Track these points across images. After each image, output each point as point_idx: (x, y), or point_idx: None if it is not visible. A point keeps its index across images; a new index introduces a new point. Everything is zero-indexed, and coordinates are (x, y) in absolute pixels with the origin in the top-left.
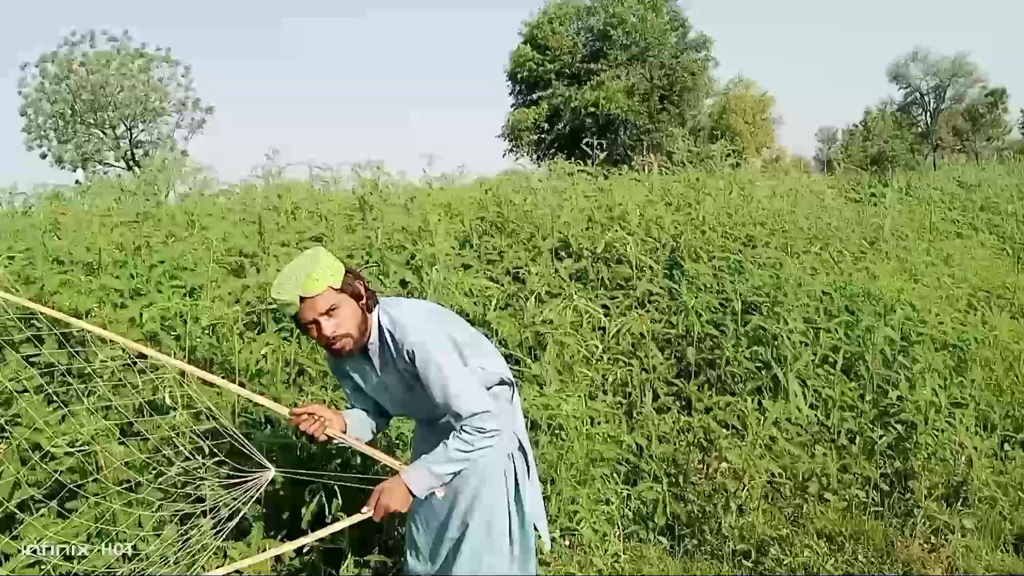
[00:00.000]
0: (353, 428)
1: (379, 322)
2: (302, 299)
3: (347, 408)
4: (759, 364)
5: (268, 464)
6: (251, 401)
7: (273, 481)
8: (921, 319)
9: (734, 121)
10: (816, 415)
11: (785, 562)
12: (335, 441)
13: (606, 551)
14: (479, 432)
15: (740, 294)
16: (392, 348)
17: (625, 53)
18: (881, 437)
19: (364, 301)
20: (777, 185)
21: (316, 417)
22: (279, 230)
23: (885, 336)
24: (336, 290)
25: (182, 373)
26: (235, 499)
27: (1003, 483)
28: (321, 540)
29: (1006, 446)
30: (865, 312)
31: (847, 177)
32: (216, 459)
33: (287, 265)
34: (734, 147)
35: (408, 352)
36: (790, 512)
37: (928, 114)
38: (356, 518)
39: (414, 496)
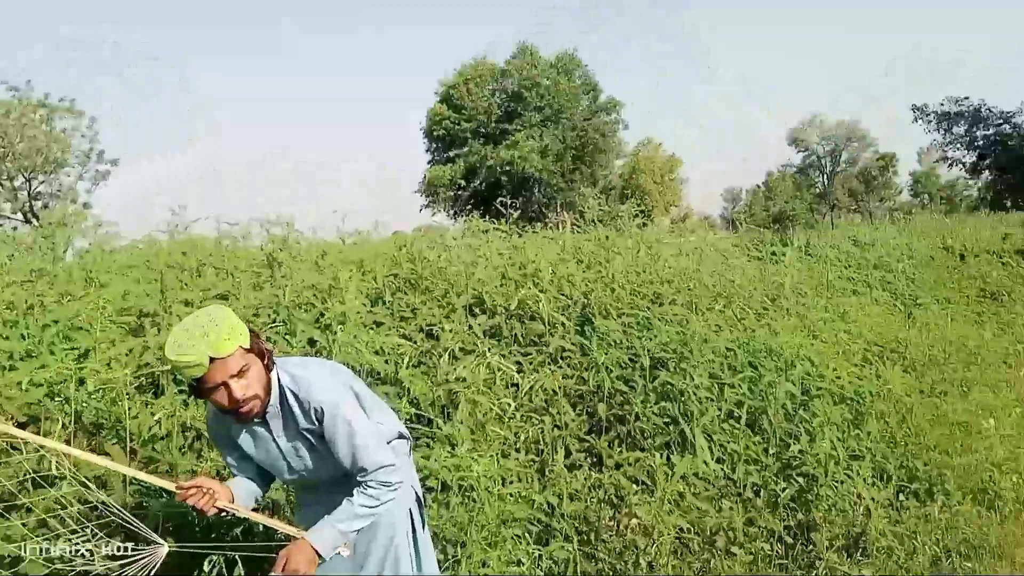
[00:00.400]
0: (240, 498)
1: (279, 383)
2: (212, 359)
3: (232, 478)
4: (667, 419)
5: (160, 540)
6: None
7: (169, 554)
8: (820, 373)
9: (643, 181)
10: (722, 469)
11: None
12: (224, 513)
13: None
14: (384, 486)
15: (648, 350)
16: (297, 408)
17: (539, 115)
18: (784, 490)
19: (266, 361)
20: (683, 243)
21: (204, 490)
22: (183, 288)
23: (786, 391)
24: (246, 350)
25: (69, 440)
26: None
27: (899, 532)
28: None
29: (901, 496)
30: (767, 367)
31: (750, 236)
32: (107, 531)
33: (184, 322)
34: (643, 206)
35: (316, 411)
36: (698, 567)
37: (825, 176)
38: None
39: (320, 557)
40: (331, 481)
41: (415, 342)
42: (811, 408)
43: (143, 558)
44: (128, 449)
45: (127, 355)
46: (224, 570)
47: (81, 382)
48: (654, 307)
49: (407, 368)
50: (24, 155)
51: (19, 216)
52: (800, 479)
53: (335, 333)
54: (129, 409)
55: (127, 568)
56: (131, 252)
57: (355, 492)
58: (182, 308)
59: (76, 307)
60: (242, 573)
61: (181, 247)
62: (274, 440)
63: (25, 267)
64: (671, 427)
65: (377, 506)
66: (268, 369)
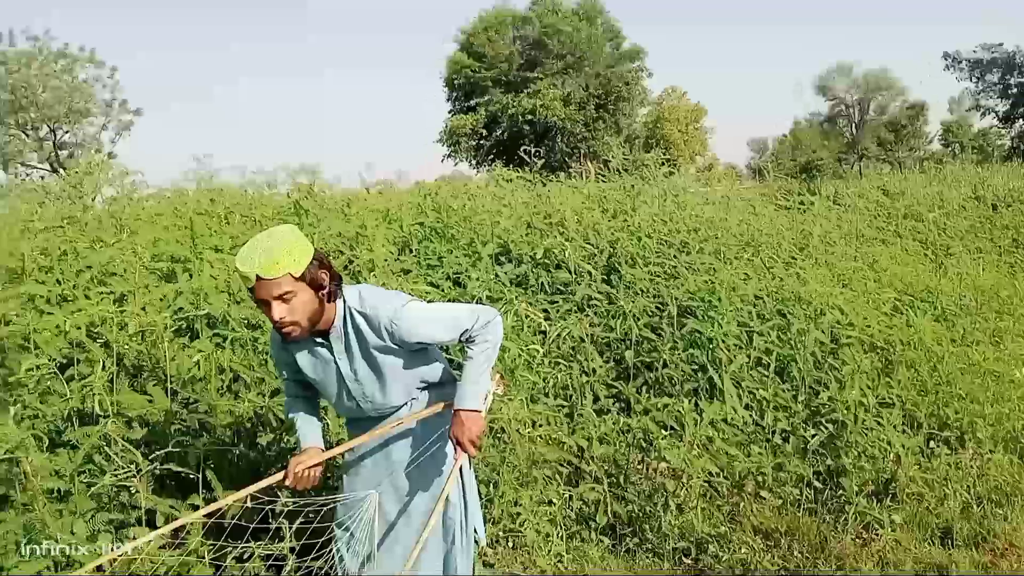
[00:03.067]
0: (319, 440)
1: (345, 304)
2: (258, 277)
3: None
4: (695, 367)
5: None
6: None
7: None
8: (849, 322)
9: (668, 130)
10: (751, 415)
11: (723, 559)
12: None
13: (549, 551)
14: (487, 324)
15: (676, 298)
16: (366, 325)
17: (561, 62)
18: (813, 436)
19: (325, 291)
20: (710, 193)
21: (303, 472)
22: (211, 235)
23: (816, 339)
24: (295, 278)
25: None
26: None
27: (929, 479)
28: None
29: (931, 443)
30: (796, 316)
31: (777, 185)
32: (152, 465)
33: (256, 236)
34: (668, 156)
35: (387, 321)
36: (727, 510)
37: (853, 125)
38: (457, 466)
39: (479, 412)
40: (379, 418)
41: (442, 290)
42: (840, 356)
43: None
44: (168, 390)
45: (161, 300)
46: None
47: (122, 326)
48: (681, 256)
49: None
50: (47, 105)
51: (45, 166)
52: (829, 426)
53: (364, 280)
54: (166, 352)
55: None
56: (159, 200)
57: (467, 349)
58: (212, 254)
59: (109, 253)
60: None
61: (208, 195)
62: (335, 362)
63: (56, 214)
64: (699, 374)
65: (490, 345)
66: (329, 298)
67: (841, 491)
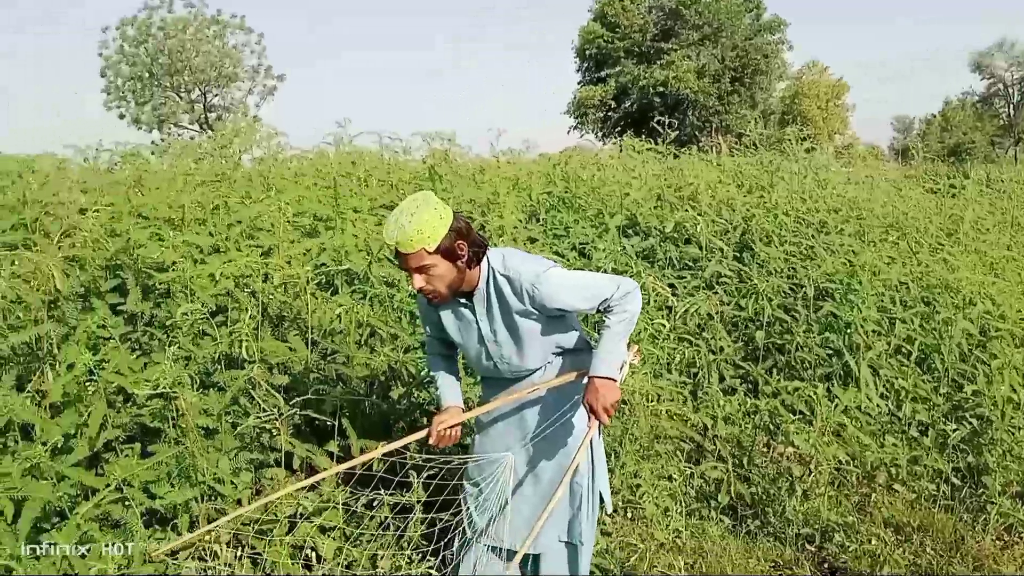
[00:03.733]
0: (459, 399)
1: (489, 267)
2: (397, 250)
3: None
4: (830, 351)
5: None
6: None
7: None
8: (1001, 314)
9: (806, 106)
10: (887, 405)
11: (850, 548)
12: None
13: (667, 526)
14: (625, 298)
15: (813, 280)
16: (508, 288)
17: (697, 33)
18: (954, 431)
19: (464, 260)
20: (852, 172)
21: (445, 431)
22: (351, 196)
23: (963, 329)
24: (429, 252)
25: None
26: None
27: None
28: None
29: None
30: (943, 304)
31: (924, 168)
32: (292, 410)
33: (402, 204)
34: (806, 133)
35: (528, 285)
36: (856, 500)
37: (1011, 106)
38: (590, 433)
39: (615, 380)
40: (515, 379)
41: (567, 260)
42: (989, 349)
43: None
44: (309, 341)
45: (304, 255)
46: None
47: (266, 277)
48: (819, 236)
49: None
50: (199, 69)
51: (195, 127)
52: (973, 421)
53: (495, 246)
54: (308, 304)
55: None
56: (301, 161)
57: (605, 319)
58: (352, 214)
59: (257, 209)
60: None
61: (349, 158)
62: (476, 323)
63: (209, 171)
64: (833, 359)
65: (628, 316)
66: (471, 264)
67: (982, 489)
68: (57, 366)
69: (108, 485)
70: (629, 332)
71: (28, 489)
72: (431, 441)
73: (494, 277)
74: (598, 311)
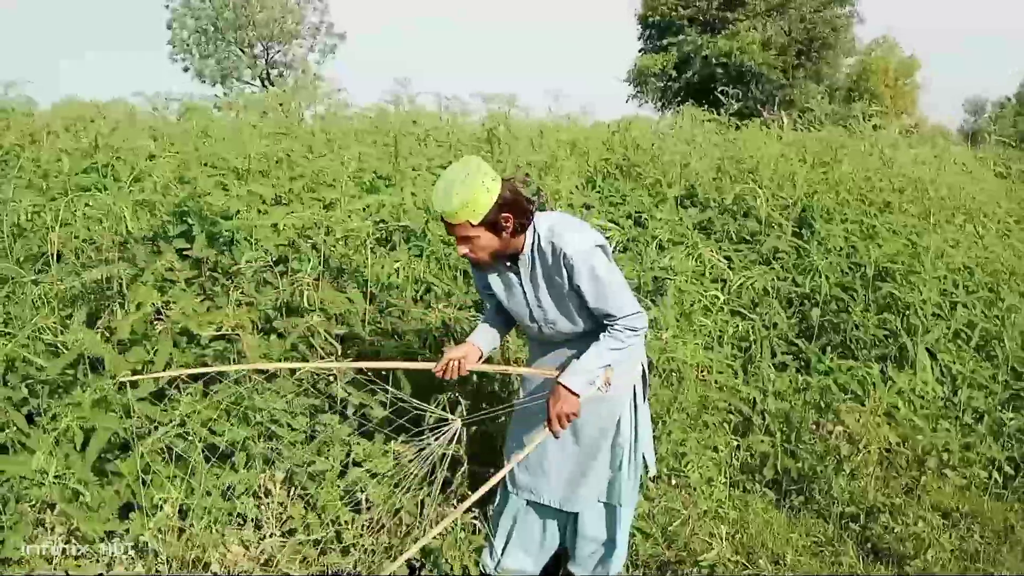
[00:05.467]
0: (486, 346)
1: (535, 232)
2: (442, 218)
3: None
4: (886, 333)
5: (453, 417)
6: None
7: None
8: None
9: (873, 83)
10: (943, 390)
11: (895, 530)
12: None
13: (711, 496)
14: (630, 331)
15: (874, 259)
16: (551, 256)
17: (764, 3)
18: (1012, 419)
19: (508, 232)
20: (919, 153)
21: (453, 363)
22: (411, 155)
23: None
24: (473, 225)
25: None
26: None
27: None
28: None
29: None
30: (1008, 291)
31: (996, 151)
32: (348, 360)
33: (450, 170)
34: (873, 110)
35: (568, 259)
36: (904, 483)
37: None
38: (541, 437)
39: (578, 395)
40: (563, 341)
41: (622, 228)
42: None
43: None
44: (367, 294)
45: (364, 210)
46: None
47: (328, 230)
48: (882, 215)
49: (613, 252)
50: (263, 24)
51: (257, 83)
52: None
53: (552, 210)
54: (368, 258)
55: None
56: (362, 119)
57: (602, 336)
58: (411, 172)
59: (320, 163)
60: (463, 408)
61: (410, 117)
62: (521, 286)
63: (274, 125)
64: (890, 340)
65: (623, 348)
66: (513, 235)
67: None
68: (126, 305)
69: (171, 420)
70: (616, 362)
71: (97, 419)
72: (435, 368)
73: (539, 243)
74: (600, 320)
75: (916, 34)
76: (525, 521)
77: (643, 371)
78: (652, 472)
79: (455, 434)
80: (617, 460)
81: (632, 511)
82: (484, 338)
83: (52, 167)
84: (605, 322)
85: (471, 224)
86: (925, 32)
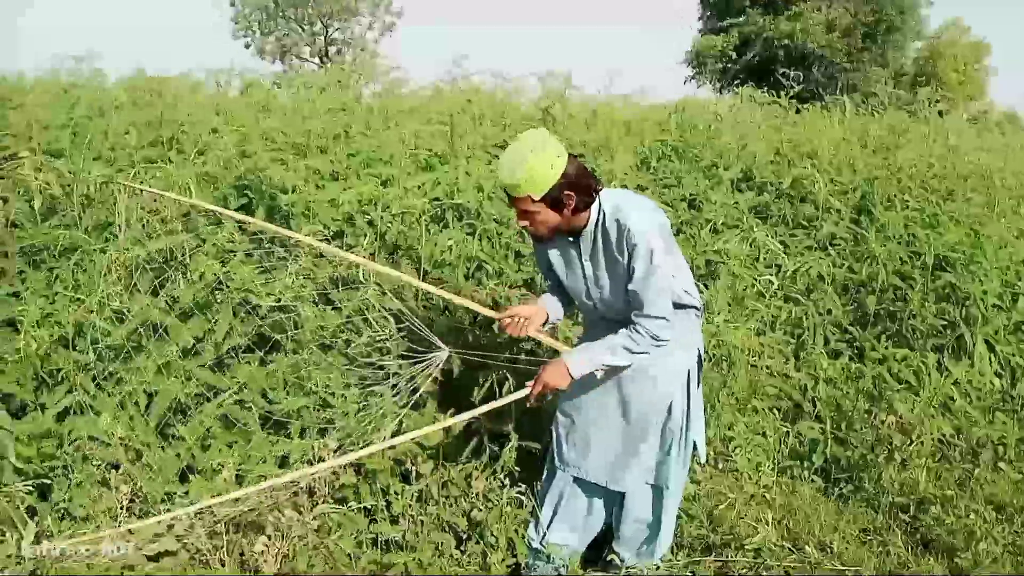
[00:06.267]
0: (552, 314)
1: (600, 208)
2: (505, 190)
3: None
4: (944, 322)
5: (443, 345)
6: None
7: (449, 361)
8: None
9: (941, 68)
10: (1001, 383)
11: (945, 522)
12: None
13: (758, 481)
14: (652, 337)
15: (934, 248)
16: (615, 235)
17: None
18: None
19: (570, 209)
20: (985, 140)
21: (520, 319)
22: (466, 134)
23: None
24: (535, 200)
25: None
26: (412, 376)
27: None
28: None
29: None
30: None
31: None
32: (400, 334)
33: (515, 144)
34: (940, 96)
35: (629, 239)
36: (958, 475)
37: None
38: (518, 395)
39: (572, 377)
40: (618, 320)
41: (676, 211)
42: None
43: (430, 358)
44: (421, 270)
45: (419, 188)
46: (495, 382)
47: (385, 206)
48: (945, 203)
49: None
50: (322, 2)
51: (315, 60)
52: None
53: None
54: (422, 235)
55: (414, 367)
56: (418, 97)
57: (623, 330)
58: (466, 151)
59: (377, 140)
60: (511, 386)
61: (465, 95)
62: (580, 263)
63: (335, 101)
64: (947, 331)
65: (637, 352)
66: (575, 212)
67: None
68: (188, 274)
69: (230, 388)
70: (626, 360)
71: (159, 384)
72: (499, 317)
73: (603, 221)
74: (630, 312)
75: (989, 16)
76: (571, 498)
77: (699, 356)
78: (702, 458)
79: (439, 364)
80: (667, 444)
81: (680, 496)
82: (553, 306)
83: (120, 140)
84: (633, 315)
85: (532, 199)
86: (999, 14)
